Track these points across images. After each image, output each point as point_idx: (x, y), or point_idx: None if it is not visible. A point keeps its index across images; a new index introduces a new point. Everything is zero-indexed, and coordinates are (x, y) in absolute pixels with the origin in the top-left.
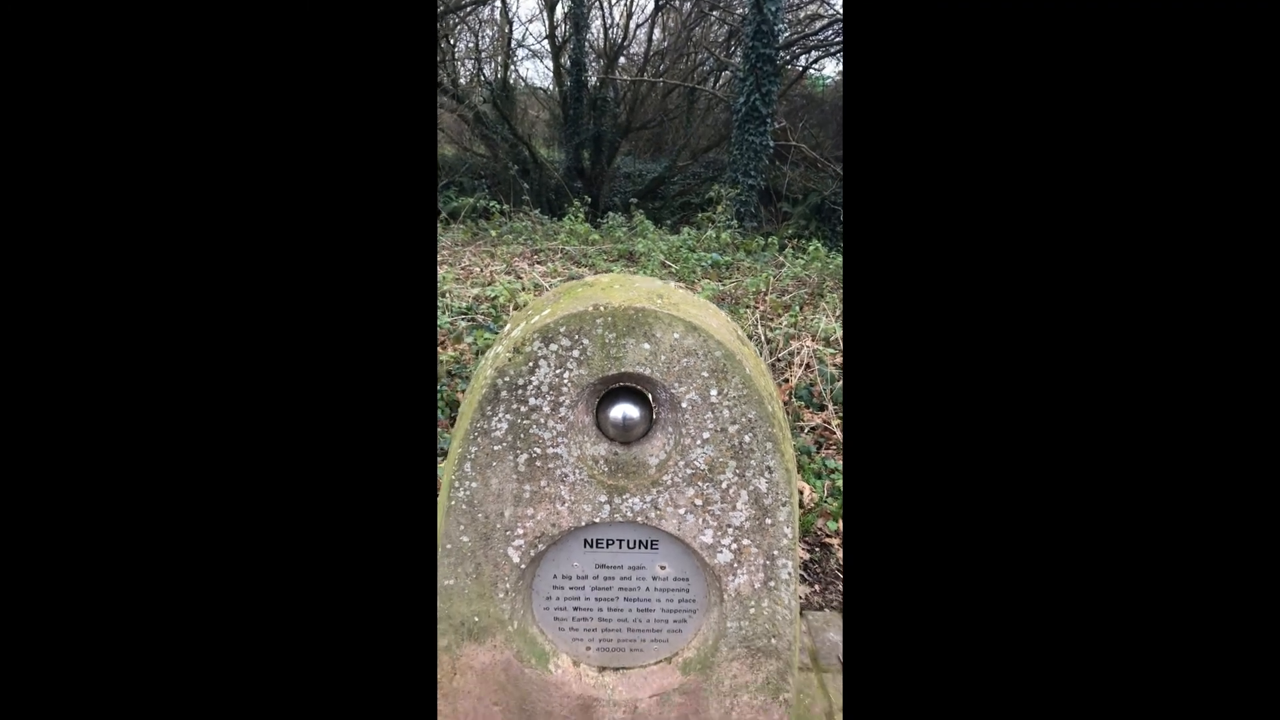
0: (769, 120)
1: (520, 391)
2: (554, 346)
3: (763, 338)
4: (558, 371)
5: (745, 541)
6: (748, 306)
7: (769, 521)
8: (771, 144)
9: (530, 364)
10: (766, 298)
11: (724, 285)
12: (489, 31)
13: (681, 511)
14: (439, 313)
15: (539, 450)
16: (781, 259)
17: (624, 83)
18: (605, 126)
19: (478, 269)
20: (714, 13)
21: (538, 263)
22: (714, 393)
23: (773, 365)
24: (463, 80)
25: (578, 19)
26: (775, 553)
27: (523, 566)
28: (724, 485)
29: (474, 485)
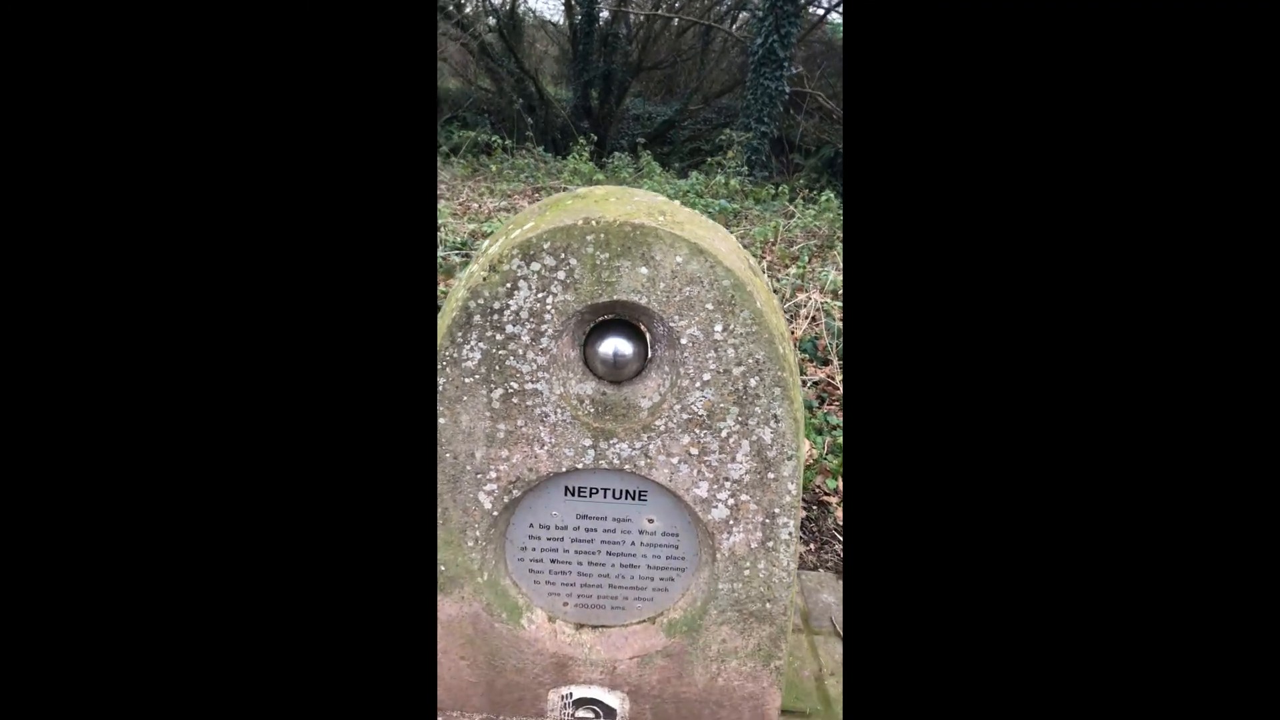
0: (786, 64)
1: (496, 317)
2: (536, 266)
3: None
4: (539, 296)
5: (744, 497)
6: (755, 256)
7: (771, 476)
8: (787, 90)
9: (508, 285)
10: (774, 247)
11: (731, 232)
12: None
13: (675, 461)
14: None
15: (516, 385)
16: (792, 209)
17: (637, 18)
18: (615, 64)
19: (475, 205)
20: None
21: (537, 201)
22: (719, 328)
23: None
24: (468, 8)
25: None
26: (776, 510)
27: (495, 514)
28: (724, 434)
29: (442, 421)
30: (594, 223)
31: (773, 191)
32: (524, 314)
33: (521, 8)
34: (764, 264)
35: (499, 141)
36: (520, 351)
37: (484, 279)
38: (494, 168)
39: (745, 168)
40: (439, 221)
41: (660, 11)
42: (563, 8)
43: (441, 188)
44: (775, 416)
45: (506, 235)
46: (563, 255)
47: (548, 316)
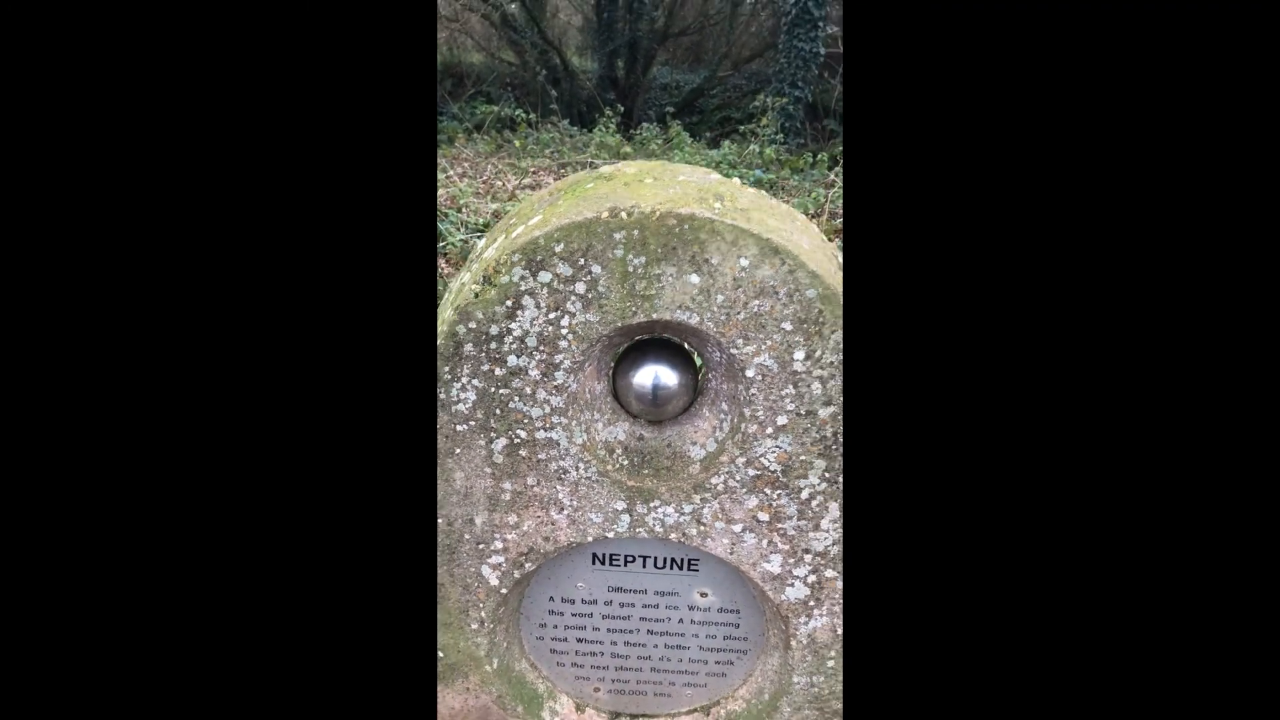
0: (821, 25)
1: (494, 346)
2: (545, 277)
3: None
4: (551, 316)
5: (829, 573)
6: (809, 221)
7: None
8: (822, 52)
9: (508, 303)
10: (817, 220)
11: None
12: None
13: (738, 529)
14: (455, 229)
15: (524, 434)
16: (833, 178)
17: None
18: (641, 32)
19: (499, 183)
20: None
21: (564, 177)
22: (799, 356)
23: None
24: None
25: None
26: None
27: (503, 591)
28: (804, 494)
29: None
30: (624, 214)
31: (810, 160)
32: (531, 341)
33: None
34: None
35: (523, 115)
36: (528, 390)
37: (475, 295)
38: (518, 143)
39: (780, 135)
40: (462, 202)
41: None
42: None
43: (464, 165)
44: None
45: (507, 233)
46: (582, 261)
47: (563, 344)
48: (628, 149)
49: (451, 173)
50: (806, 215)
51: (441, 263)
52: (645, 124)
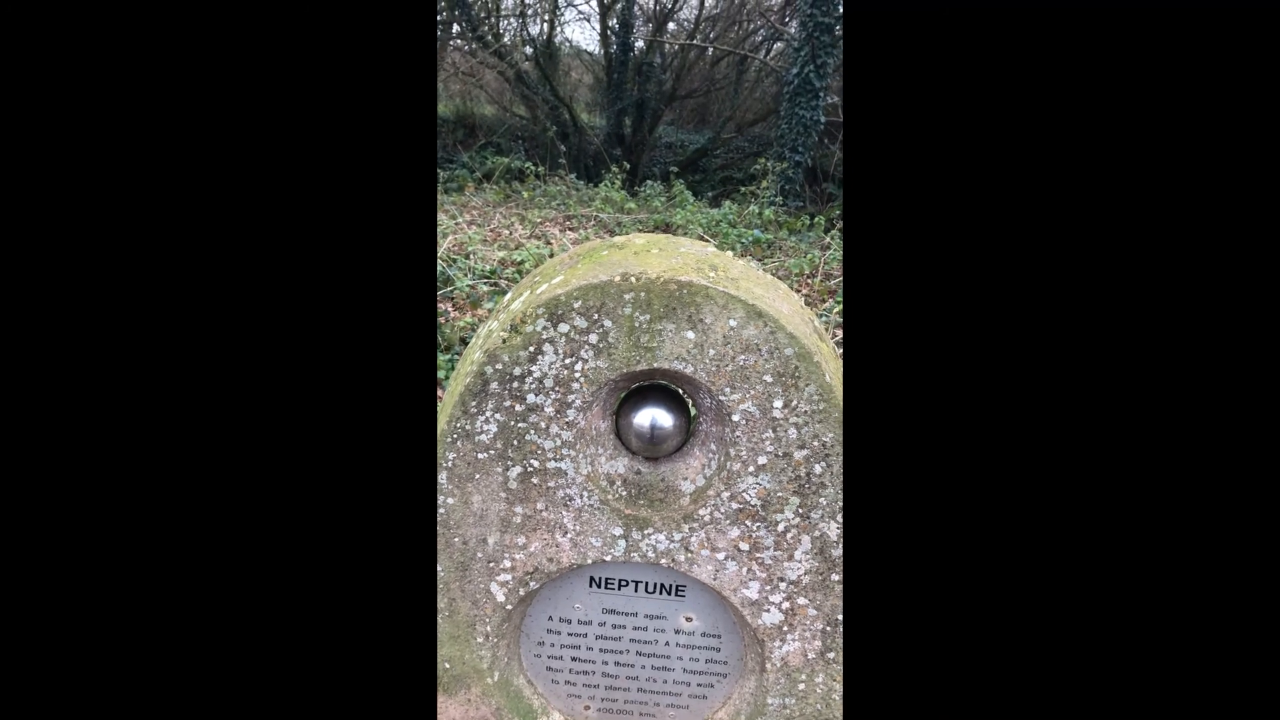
0: (822, 94)
1: (516, 385)
2: (564, 328)
3: None
4: (567, 361)
5: (801, 601)
6: (790, 289)
7: (836, 578)
8: (823, 120)
9: (531, 349)
10: (811, 280)
11: (765, 265)
12: None
13: (721, 557)
14: (462, 275)
15: (537, 463)
16: (828, 240)
17: (672, 48)
18: (649, 93)
19: (507, 231)
20: None
21: (569, 229)
22: (778, 404)
23: None
24: (506, 37)
25: None
26: (840, 618)
27: (509, 607)
28: (780, 527)
29: (450, 501)
30: (633, 279)
31: (807, 222)
32: (548, 382)
33: (559, 37)
34: (800, 297)
35: (532, 168)
36: (543, 425)
37: (503, 341)
38: (526, 194)
39: (779, 197)
40: (469, 249)
41: (695, 41)
42: (599, 38)
43: (473, 213)
44: (844, 509)
45: (532, 289)
46: (596, 316)
47: (576, 385)
48: (631, 204)
49: (460, 220)
50: (802, 275)
51: (448, 306)
52: (649, 180)
